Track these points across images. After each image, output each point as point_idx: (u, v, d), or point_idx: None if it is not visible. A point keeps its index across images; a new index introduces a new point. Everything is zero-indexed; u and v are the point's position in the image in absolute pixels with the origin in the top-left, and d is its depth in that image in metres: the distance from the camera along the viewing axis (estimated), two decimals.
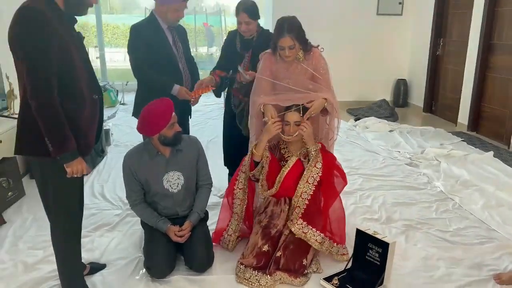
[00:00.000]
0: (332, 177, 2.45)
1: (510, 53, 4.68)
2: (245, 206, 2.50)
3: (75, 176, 1.81)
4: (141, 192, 2.36)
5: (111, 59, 10.40)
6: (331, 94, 2.51)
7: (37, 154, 1.79)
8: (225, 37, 3.19)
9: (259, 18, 2.82)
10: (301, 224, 2.33)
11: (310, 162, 2.36)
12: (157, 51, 2.69)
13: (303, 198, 2.36)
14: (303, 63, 2.50)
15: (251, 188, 2.56)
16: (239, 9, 2.77)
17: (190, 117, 3.05)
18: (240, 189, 2.50)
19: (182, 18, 2.77)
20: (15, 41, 1.68)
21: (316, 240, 2.32)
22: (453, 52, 5.86)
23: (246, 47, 2.87)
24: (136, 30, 2.72)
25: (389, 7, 6.73)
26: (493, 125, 5.01)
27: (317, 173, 2.35)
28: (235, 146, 2.95)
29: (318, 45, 2.57)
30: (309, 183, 2.35)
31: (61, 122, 1.70)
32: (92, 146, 1.97)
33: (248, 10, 2.74)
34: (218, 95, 3.10)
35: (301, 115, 2.36)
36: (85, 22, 9.34)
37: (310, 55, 2.52)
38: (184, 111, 2.86)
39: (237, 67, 2.82)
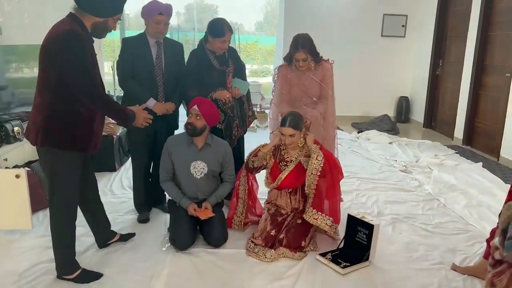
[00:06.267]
0: (336, 166, 2.85)
1: (500, 73, 5.12)
2: (246, 191, 2.97)
3: (147, 124, 2.42)
4: (171, 171, 2.86)
5: None
6: (325, 107, 3.17)
7: (58, 147, 2.16)
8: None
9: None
10: (312, 211, 2.74)
11: (311, 157, 2.77)
12: (139, 63, 2.89)
13: (311, 189, 2.77)
14: (313, 72, 3.10)
15: (253, 178, 3.03)
16: (225, 30, 2.97)
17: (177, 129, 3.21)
18: (243, 176, 2.97)
19: (163, 31, 2.92)
20: (59, 56, 2.04)
21: (326, 224, 2.73)
22: (451, 72, 6.32)
23: (224, 63, 3.12)
24: (125, 43, 2.98)
25: (393, 29, 7.22)
26: (485, 139, 5.43)
27: (319, 164, 2.73)
28: None
29: (328, 59, 3.15)
30: (313, 174, 2.74)
31: (117, 106, 2.28)
32: (99, 145, 2.34)
33: (231, 29, 3.02)
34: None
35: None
36: (111, 40, 10.03)
37: (320, 66, 3.11)
38: (168, 124, 3.10)
39: (220, 82, 3.07)
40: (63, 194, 2.27)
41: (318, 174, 2.74)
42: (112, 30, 2.27)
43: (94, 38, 2.25)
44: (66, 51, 2.04)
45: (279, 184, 2.85)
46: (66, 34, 2.06)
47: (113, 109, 2.27)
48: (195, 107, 2.75)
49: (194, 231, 2.78)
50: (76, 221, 2.45)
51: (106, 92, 2.45)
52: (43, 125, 2.14)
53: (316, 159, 2.75)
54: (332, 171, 2.80)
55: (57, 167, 2.22)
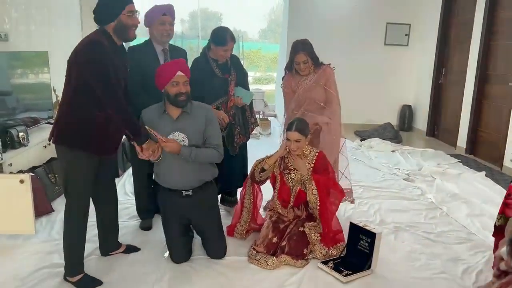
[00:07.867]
0: (335, 188, 2.86)
1: (503, 83, 5.12)
2: (252, 200, 2.97)
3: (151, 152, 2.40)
4: None
5: None
6: (330, 111, 3.19)
7: (69, 146, 2.27)
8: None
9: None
10: (320, 246, 2.75)
11: (307, 191, 2.78)
12: (148, 73, 2.72)
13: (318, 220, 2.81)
14: (314, 76, 3.15)
15: (258, 187, 3.02)
16: (228, 39, 2.99)
17: None
18: (249, 186, 2.97)
19: (169, 31, 2.91)
20: (83, 64, 2.16)
21: (320, 252, 2.73)
22: (454, 81, 6.33)
23: (226, 71, 3.12)
24: (132, 53, 2.86)
25: (396, 38, 7.24)
26: (488, 148, 5.42)
27: (316, 199, 2.77)
28: (227, 167, 3.03)
29: (330, 63, 3.19)
30: (314, 209, 2.78)
31: (134, 119, 2.33)
32: (114, 150, 2.44)
33: (234, 38, 3.04)
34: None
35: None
36: None
37: (321, 71, 3.15)
38: None
39: (222, 90, 3.07)
40: (75, 193, 2.34)
41: (317, 208, 2.77)
42: (134, 24, 2.27)
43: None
44: (88, 59, 2.16)
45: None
46: (89, 44, 2.20)
47: (130, 122, 2.29)
48: (180, 73, 2.41)
49: (188, 247, 2.74)
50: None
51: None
52: (59, 123, 2.29)
53: (312, 194, 2.77)
54: (331, 196, 2.83)
55: (69, 166, 2.31)
